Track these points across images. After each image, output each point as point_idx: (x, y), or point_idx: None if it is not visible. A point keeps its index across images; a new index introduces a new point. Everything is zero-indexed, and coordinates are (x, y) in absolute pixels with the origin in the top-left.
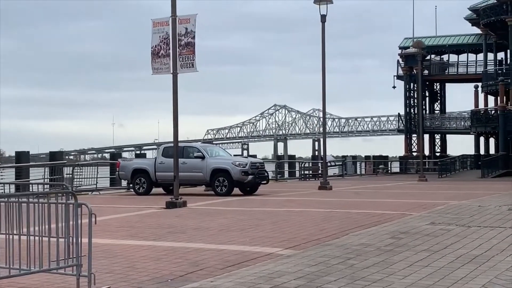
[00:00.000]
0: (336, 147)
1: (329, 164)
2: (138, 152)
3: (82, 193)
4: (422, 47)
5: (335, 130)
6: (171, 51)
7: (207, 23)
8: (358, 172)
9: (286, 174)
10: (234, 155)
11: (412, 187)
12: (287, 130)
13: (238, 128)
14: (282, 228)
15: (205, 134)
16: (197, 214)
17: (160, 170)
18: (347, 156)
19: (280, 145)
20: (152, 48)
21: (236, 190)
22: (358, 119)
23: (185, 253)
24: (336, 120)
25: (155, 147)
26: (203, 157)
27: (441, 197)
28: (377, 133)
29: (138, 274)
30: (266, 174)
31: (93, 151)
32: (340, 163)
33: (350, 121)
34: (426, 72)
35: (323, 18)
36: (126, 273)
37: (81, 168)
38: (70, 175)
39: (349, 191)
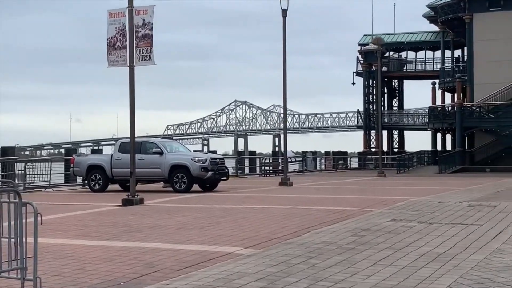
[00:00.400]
0: (296, 143)
1: (289, 160)
2: (96, 147)
3: (35, 190)
4: (381, 43)
5: (295, 126)
6: (127, 43)
7: (168, 16)
8: (318, 168)
9: (247, 170)
10: (194, 151)
11: (372, 183)
12: (247, 126)
13: (199, 124)
14: (242, 226)
15: (165, 130)
16: (154, 211)
17: (116, 166)
18: (307, 152)
19: (241, 141)
20: (108, 39)
21: (196, 187)
22: (317, 115)
23: (140, 254)
24: (296, 116)
25: (113, 142)
26: (161, 153)
27: (401, 193)
28: (336, 129)
29: (89, 276)
30: (226, 170)
31: (50, 147)
32: (300, 159)
33: (310, 117)
34: (384, 69)
35: (284, 12)
36: (76, 276)
37: (34, 164)
38: (23, 171)
39: (309, 187)
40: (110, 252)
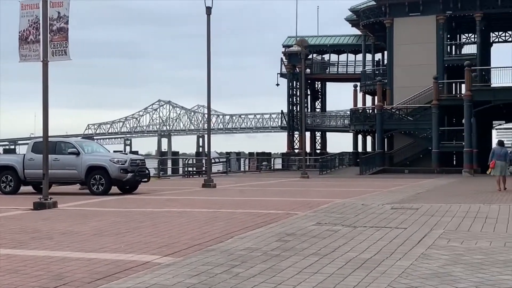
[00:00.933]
0: (220, 144)
1: (213, 160)
2: (13, 147)
3: None
4: (305, 45)
5: (219, 127)
6: (41, 36)
7: (91, 14)
8: (242, 169)
9: (169, 171)
10: (114, 152)
11: (295, 184)
12: (171, 126)
13: (121, 123)
14: (162, 231)
15: (86, 129)
16: (68, 216)
17: (29, 167)
18: (231, 152)
19: (164, 141)
20: (19, 33)
21: (114, 189)
22: (242, 116)
23: (48, 264)
24: (221, 116)
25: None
26: (78, 153)
27: (325, 195)
28: (260, 130)
29: None
30: (147, 171)
31: None
32: (224, 159)
33: (234, 117)
34: (308, 71)
35: (209, 10)
36: None
37: None
38: None
39: (233, 189)
40: (15, 262)
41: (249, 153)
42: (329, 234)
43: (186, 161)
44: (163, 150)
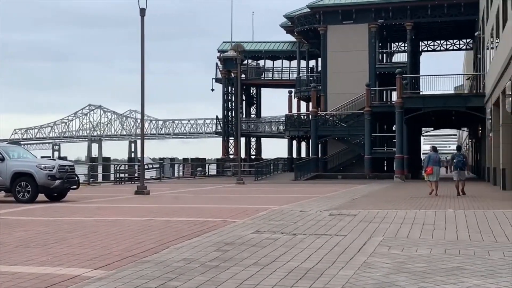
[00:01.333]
0: (153, 149)
1: (146, 166)
2: None
3: None
4: (241, 49)
5: (152, 132)
6: None
7: (18, 15)
8: (176, 175)
9: (100, 178)
10: (41, 157)
11: (231, 190)
12: (102, 131)
13: (49, 128)
14: (92, 242)
15: (12, 134)
16: None
17: None
18: (165, 158)
19: (95, 146)
20: None
21: (42, 197)
22: (175, 122)
23: None
24: (154, 121)
25: None
26: (2, 159)
27: (262, 201)
28: (194, 136)
29: None
30: (76, 178)
31: None
32: (158, 165)
33: (167, 123)
34: (243, 76)
35: (142, 12)
36: None
37: None
38: None
39: (168, 195)
40: None
41: (183, 158)
42: (269, 243)
43: (118, 167)
44: (93, 156)
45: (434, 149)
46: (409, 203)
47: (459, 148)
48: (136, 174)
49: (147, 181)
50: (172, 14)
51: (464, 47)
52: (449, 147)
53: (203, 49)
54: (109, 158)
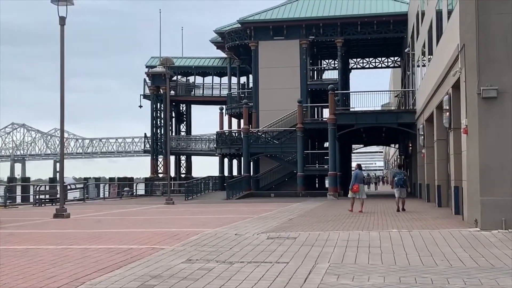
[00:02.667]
0: (80, 169)
1: (68, 187)
2: None
3: None
4: (170, 64)
5: (78, 151)
6: None
7: None
8: (102, 196)
9: (19, 199)
10: None
11: (160, 211)
12: (25, 150)
13: None
14: None
15: None
16: None
17: None
18: (89, 178)
19: (18, 166)
20: None
21: None
22: (102, 140)
23: None
24: (80, 140)
25: None
26: None
27: (193, 224)
28: (122, 154)
29: None
30: None
31: None
32: (82, 185)
33: (94, 141)
34: (172, 92)
35: (62, 20)
36: None
37: None
38: None
39: (90, 218)
40: None
41: (109, 178)
42: (202, 274)
43: (38, 188)
44: (16, 176)
45: (359, 166)
46: (348, 223)
47: (400, 166)
48: (57, 196)
49: (70, 203)
50: (100, 31)
51: (392, 65)
52: (375, 163)
53: (131, 66)
54: (29, 178)
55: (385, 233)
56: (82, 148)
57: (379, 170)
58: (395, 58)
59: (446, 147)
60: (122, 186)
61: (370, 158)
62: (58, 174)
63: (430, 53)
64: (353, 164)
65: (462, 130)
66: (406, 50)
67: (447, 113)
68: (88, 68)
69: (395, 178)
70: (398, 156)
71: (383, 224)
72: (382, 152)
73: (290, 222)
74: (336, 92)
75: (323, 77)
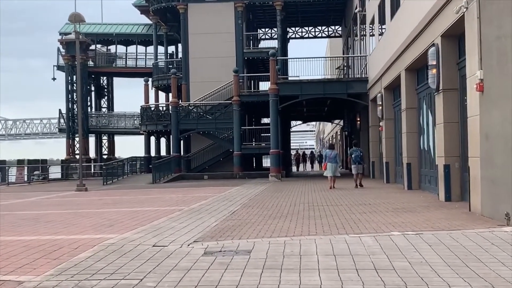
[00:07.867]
0: (4, 151)
1: None
2: None
3: None
4: (81, 20)
5: (1, 133)
6: None
7: None
8: (6, 181)
9: None
10: None
11: (64, 202)
12: None
13: None
14: None
15: None
16: None
17: None
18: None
19: None
20: None
21: None
22: (26, 121)
23: None
24: (3, 121)
25: None
26: None
27: (96, 224)
28: (47, 136)
29: None
30: None
31: None
32: None
33: (18, 123)
34: (91, 63)
35: None
36: None
37: None
38: None
39: None
40: None
41: (17, 160)
42: None
43: None
44: None
45: (331, 146)
46: (316, 217)
47: (356, 144)
48: None
49: None
50: (25, 9)
51: (333, 34)
52: (306, 142)
53: (57, 44)
54: None
55: (384, 239)
56: (5, 130)
57: (309, 149)
58: (336, 27)
59: (417, 117)
60: (33, 169)
61: (302, 137)
62: None
63: (395, 6)
64: (292, 143)
65: (476, 86)
66: (356, 10)
67: (434, 70)
68: (12, 47)
69: (352, 156)
70: (339, 133)
71: (364, 219)
72: (314, 130)
73: (234, 218)
74: (278, 58)
75: (259, 47)
